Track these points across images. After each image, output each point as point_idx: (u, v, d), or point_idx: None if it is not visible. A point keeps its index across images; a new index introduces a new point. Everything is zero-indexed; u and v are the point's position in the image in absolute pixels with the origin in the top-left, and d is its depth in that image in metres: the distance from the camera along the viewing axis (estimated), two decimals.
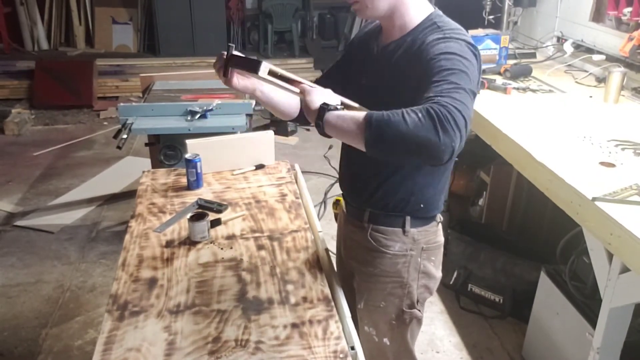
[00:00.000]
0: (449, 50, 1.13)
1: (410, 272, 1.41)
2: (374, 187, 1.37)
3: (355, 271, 1.48)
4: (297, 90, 1.21)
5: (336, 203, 1.80)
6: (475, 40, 2.79)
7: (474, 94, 1.11)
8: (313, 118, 1.15)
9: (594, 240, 1.58)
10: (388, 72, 1.27)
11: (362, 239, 1.42)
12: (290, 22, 6.41)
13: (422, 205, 1.37)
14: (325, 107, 1.12)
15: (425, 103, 1.02)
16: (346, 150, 1.43)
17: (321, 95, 1.16)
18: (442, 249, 1.49)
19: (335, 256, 1.66)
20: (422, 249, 1.41)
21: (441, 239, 1.48)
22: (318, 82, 1.36)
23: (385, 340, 1.48)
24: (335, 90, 1.22)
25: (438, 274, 1.48)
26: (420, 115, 1.00)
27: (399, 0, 1.24)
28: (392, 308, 1.44)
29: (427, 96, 1.04)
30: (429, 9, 1.28)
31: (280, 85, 1.21)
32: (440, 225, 1.47)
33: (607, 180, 1.62)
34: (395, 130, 1.01)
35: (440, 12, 1.28)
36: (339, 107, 1.14)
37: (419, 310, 1.46)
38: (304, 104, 1.17)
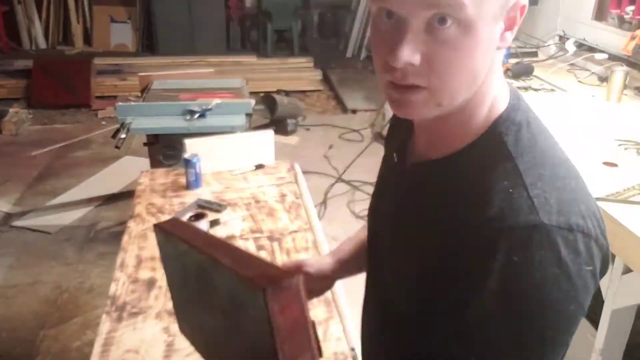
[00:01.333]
0: (525, 283, 0.56)
1: None
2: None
3: None
4: None
5: None
6: None
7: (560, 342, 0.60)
8: None
9: None
10: (411, 219, 0.69)
11: None
12: (290, 21, 6.40)
13: None
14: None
15: None
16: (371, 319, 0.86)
17: None
18: None
19: None
20: None
21: None
22: None
23: None
24: None
25: None
26: None
27: (477, 74, 0.62)
28: None
29: None
30: (504, 101, 0.68)
31: None
32: None
33: (610, 180, 1.61)
34: None
35: (520, 104, 0.70)
36: None
37: None
38: None
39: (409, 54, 0.56)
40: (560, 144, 0.68)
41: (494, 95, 0.67)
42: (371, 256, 0.82)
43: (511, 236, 0.55)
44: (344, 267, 0.95)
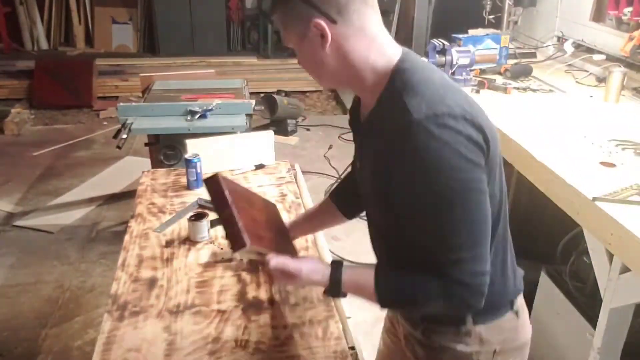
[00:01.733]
0: (423, 162, 0.86)
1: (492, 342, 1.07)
2: None
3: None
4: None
5: None
6: (475, 40, 2.80)
7: (476, 192, 0.90)
8: (319, 283, 1.05)
9: (594, 240, 1.58)
10: (371, 165, 0.99)
11: (412, 333, 1.11)
12: None
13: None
14: (336, 279, 1.02)
15: (440, 280, 0.91)
16: (378, 242, 1.15)
17: (309, 277, 1.05)
18: (526, 349, 1.18)
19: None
20: (494, 351, 1.07)
21: (526, 335, 1.17)
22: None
23: None
24: None
25: None
26: (440, 302, 0.93)
27: (346, 64, 0.96)
28: None
29: (430, 259, 0.92)
30: (393, 55, 0.97)
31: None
32: (521, 316, 1.16)
33: (608, 180, 1.62)
34: (410, 310, 1.08)
35: (408, 55, 0.98)
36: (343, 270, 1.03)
37: None
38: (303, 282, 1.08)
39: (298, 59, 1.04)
40: (437, 73, 0.97)
41: (378, 65, 0.96)
42: (362, 197, 1.11)
43: (398, 136, 0.88)
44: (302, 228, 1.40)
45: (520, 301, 1.18)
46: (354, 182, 1.16)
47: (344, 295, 1.05)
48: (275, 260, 1.06)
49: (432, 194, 0.88)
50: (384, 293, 0.98)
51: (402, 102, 0.89)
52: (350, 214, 1.33)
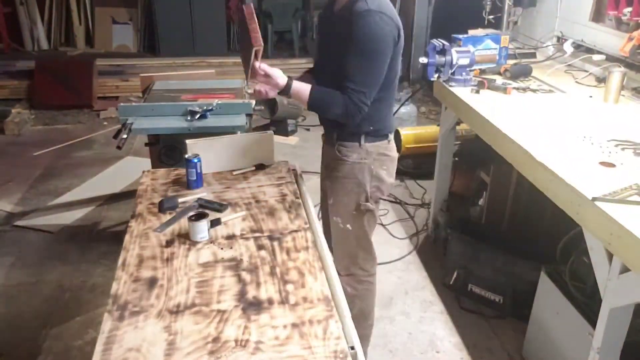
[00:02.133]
0: (366, 30, 1.65)
1: (365, 175, 1.89)
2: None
3: (328, 177, 1.97)
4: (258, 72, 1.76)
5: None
6: (475, 40, 2.80)
7: (385, 58, 1.71)
8: (277, 87, 1.77)
9: (594, 240, 1.58)
10: (338, 35, 1.74)
11: (332, 152, 1.92)
12: (290, 22, 6.41)
13: (371, 127, 1.84)
14: (287, 88, 1.77)
15: (345, 94, 1.71)
16: (327, 77, 1.87)
17: (278, 73, 1.77)
18: (394, 162, 1.96)
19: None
20: (374, 158, 1.88)
21: (393, 153, 1.95)
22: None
23: (348, 226, 1.95)
24: None
25: (390, 180, 1.95)
26: (340, 111, 1.74)
27: None
28: (351, 202, 1.92)
29: (347, 84, 1.71)
30: None
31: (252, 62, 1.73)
32: (392, 143, 1.95)
33: (607, 180, 1.62)
34: (323, 112, 1.84)
35: None
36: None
37: (371, 205, 1.94)
38: (266, 81, 1.77)
39: None
40: None
41: None
42: (320, 57, 1.96)
43: (358, 17, 1.66)
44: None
45: (391, 137, 1.94)
46: (323, 62, 1.92)
47: (290, 96, 1.78)
48: (264, 65, 1.74)
49: (363, 49, 1.67)
50: (312, 97, 1.76)
51: (364, 1, 1.66)
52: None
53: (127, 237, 1.60)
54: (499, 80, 2.64)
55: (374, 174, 1.89)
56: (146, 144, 2.78)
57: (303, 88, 1.76)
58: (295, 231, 1.64)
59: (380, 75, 1.72)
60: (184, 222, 1.65)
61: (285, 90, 1.75)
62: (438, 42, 2.49)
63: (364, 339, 2.11)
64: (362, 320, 2.09)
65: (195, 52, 6.18)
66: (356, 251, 2.00)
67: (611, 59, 2.65)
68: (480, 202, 3.08)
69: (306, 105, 1.77)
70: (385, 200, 3.64)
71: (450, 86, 2.57)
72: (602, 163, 1.75)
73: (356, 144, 1.86)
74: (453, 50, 2.48)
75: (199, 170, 1.87)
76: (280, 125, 4.68)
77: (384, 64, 1.71)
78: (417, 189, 3.83)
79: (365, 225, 1.97)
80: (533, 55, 3.09)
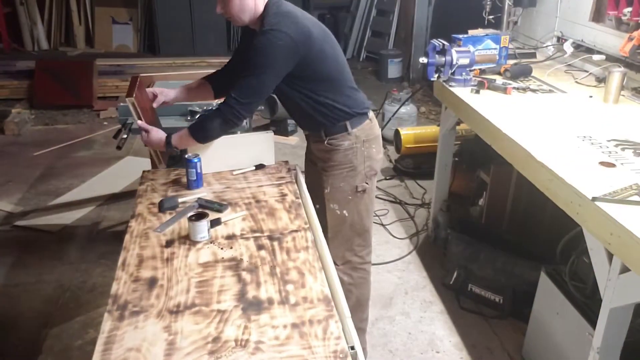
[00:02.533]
0: (257, 46, 1.74)
1: (358, 159, 1.98)
2: (314, 122, 1.97)
3: (322, 168, 2.01)
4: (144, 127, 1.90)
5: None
6: (475, 40, 2.80)
7: (272, 71, 1.77)
8: (162, 147, 1.90)
9: (594, 240, 1.58)
10: (244, 55, 1.90)
11: (322, 146, 1.99)
12: None
13: (347, 110, 1.94)
14: (169, 141, 1.88)
15: (224, 103, 1.81)
16: (289, 112, 2.07)
17: (156, 134, 1.90)
18: (380, 139, 2.06)
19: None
20: (363, 141, 1.98)
21: (377, 131, 2.05)
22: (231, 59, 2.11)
23: (345, 212, 2.01)
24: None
25: (379, 156, 2.06)
26: (219, 124, 1.83)
27: (255, 5, 1.81)
28: (348, 186, 1.99)
29: (230, 93, 1.80)
30: (264, 4, 1.82)
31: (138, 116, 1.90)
32: (374, 121, 2.04)
33: (607, 180, 1.62)
34: (211, 135, 1.89)
35: (274, 2, 1.82)
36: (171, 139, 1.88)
37: (367, 184, 2.02)
38: (147, 141, 1.92)
39: (219, 9, 1.85)
40: (290, 10, 1.84)
41: (260, 6, 1.82)
42: (235, 72, 2.01)
43: (258, 35, 1.77)
44: (182, 95, 2.13)
45: (371, 114, 2.03)
46: (228, 73, 2.07)
47: (177, 149, 1.89)
48: (141, 123, 1.89)
49: (250, 62, 1.76)
50: (193, 133, 1.85)
51: (265, 23, 1.77)
52: (218, 94, 2.10)
53: (127, 237, 1.60)
54: (499, 80, 2.64)
55: (365, 154, 1.99)
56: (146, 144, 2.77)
57: (181, 133, 1.87)
58: (295, 231, 1.64)
59: (265, 87, 1.79)
60: (184, 222, 1.65)
61: (168, 145, 1.87)
62: (438, 42, 2.49)
63: (361, 333, 2.14)
64: (359, 311, 2.16)
65: (195, 52, 6.18)
66: (352, 238, 2.06)
67: (611, 59, 2.65)
68: (480, 202, 3.08)
69: (195, 142, 1.88)
70: (385, 199, 3.64)
71: (450, 86, 2.57)
72: (602, 163, 1.74)
73: (344, 132, 1.95)
74: (453, 50, 2.48)
75: (199, 170, 1.87)
76: (280, 125, 4.68)
77: (272, 77, 1.78)
78: (417, 189, 3.84)
79: (362, 209, 2.03)
80: (533, 55, 3.09)
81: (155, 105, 2.06)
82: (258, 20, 1.82)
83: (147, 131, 1.88)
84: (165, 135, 1.88)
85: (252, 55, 1.74)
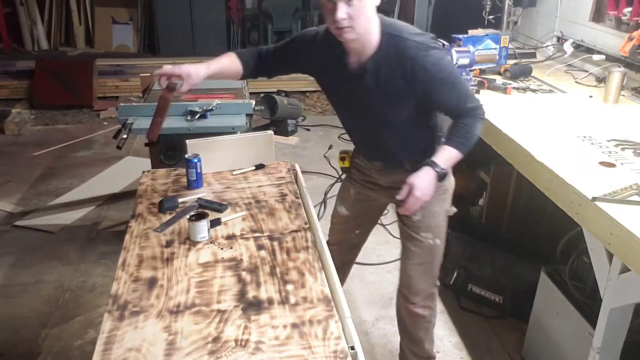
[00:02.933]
0: (436, 61, 1.56)
1: (450, 181, 1.82)
2: (414, 150, 1.75)
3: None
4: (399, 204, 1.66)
5: (343, 159, 1.99)
6: (475, 40, 2.80)
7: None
8: (436, 181, 1.63)
9: (594, 240, 1.58)
10: (379, 91, 1.62)
11: (403, 175, 1.69)
12: (291, 22, 6.41)
13: (440, 133, 1.78)
14: (441, 174, 1.62)
15: (467, 113, 1.63)
16: (373, 133, 1.79)
17: (423, 182, 1.60)
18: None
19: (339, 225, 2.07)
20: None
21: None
22: (274, 52, 1.83)
23: (437, 240, 1.85)
24: (290, 68, 1.91)
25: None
26: (478, 129, 1.64)
27: (371, 19, 1.53)
28: (442, 210, 1.84)
29: (463, 107, 1.63)
30: (377, 20, 1.57)
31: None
32: None
33: (607, 180, 1.62)
34: (473, 142, 1.65)
35: (382, 16, 1.59)
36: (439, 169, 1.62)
37: (454, 207, 1.89)
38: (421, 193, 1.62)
39: (342, 15, 1.46)
40: (406, 25, 1.64)
41: (376, 23, 1.56)
42: (350, 118, 1.82)
43: (419, 60, 1.55)
44: (210, 76, 1.71)
45: None
46: (265, 63, 1.83)
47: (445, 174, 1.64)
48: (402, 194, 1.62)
49: (450, 78, 1.60)
50: (461, 147, 1.63)
51: (406, 42, 1.55)
52: (245, 76, 1.83)
53: (127, 237, 1.60)
54: (499, 80, 2.64)
55: (451, 176, 1.85)
56: (146, 144, 2.78)
57: (447, 156, 1.63)
58: (295, 231, 1.64)
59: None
60: (184, 222, 1.65)
61: (442, 177, 1.63)
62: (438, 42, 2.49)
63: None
64: (431, 344, 2.04)
65: (195, 52, 6.17)
66: (438, 266, 1.91)
67: (611, 59, 2.65)
68: (480, 202, 3.08)
69: (461, 155, 1.66)
70: None
71: None
72: (602, 163, 1.75)
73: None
74: (453, 50, 2.48)
75: (199, 170, 1.87)
76: (280, 125, 4.68)
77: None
78: None
79: (447, 233, 1.90)
80: (533, 55, 3.09)
81: (185, 89, 1.64)
82: (370, 40, 1.55)
83: (413, 188, 1.59)
84: (433, 171, 1.60)
85: (440, 70, 1.56)
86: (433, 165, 1.60)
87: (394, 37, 1.55)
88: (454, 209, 1.88)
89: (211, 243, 1.58)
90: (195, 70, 1.63)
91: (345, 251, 2.10)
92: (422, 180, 1.59)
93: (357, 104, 1.70)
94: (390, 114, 1.67)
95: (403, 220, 1.85)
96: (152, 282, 1.40)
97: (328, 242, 1.84)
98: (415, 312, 1.94)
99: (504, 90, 2.47)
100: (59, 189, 3.75)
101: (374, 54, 1.57)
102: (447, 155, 1.62)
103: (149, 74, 3.41)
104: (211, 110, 2.58)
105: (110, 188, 3.74)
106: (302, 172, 2.09)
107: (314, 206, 1.88)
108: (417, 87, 1.57)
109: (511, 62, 2.83)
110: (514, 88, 2.50)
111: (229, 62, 1.77)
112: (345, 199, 2.01)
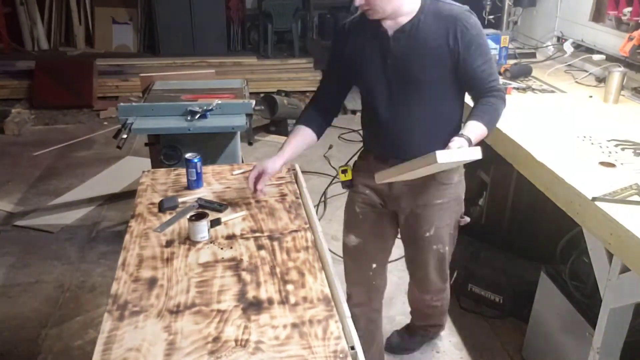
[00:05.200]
0: (478, 27, 1.60)
1: (463, 189, 1.84)
2: (429, 145, 1.53)
3: (419, 208, 1.80)
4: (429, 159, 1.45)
5: (345, 172, 1.92)
6: None
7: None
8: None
9: (594, 240, 1.58)
10: (416, 49, 1.61)
11: (430, 181, 1.74)
12: (290, 22, 6.41)
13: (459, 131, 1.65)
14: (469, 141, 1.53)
15: (491, 92, 1.63)
16: (398, 120, 1.71)
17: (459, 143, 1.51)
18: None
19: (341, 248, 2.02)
20: (463, 171, 1.84)
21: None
22: (323, 84, 1.85)
23: (447, 248, 1.89)
24: (342, 80, 1.80)
25: None
26: (501, 109, 1.64)
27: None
28: (453, 222, 1.86)
29: (489, 84, 1.64)
30: None
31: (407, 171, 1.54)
32: None
33: (607, 180, 1.62)
34: (497, 121, 1.65)
35: None
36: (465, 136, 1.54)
37: (466, 216, 1.90)
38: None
39: (360, 2, 1.56)
40: None
41: None
42: (381, 97, 1.71)
43: (462, 19, 1.59)
44: (287, 163, 1.78)
45: None
46: (323, 105, 1.82)
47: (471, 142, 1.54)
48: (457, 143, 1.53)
49: (486, 46, 1.62)
50: (489, 124, 1.60)
51: (449, 5, 1.60)
52: (320, 133, 1.82)
53: (127, 237, 1.60)
54: (499, 80, 2.64)
55: (464, 183, 1.83)
56: (146, 144, 2.78)
57: (477, 133, 1.56)
58: (295, 231, 1.64)
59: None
60: (184, 222, 1.65)
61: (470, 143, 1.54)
62: None
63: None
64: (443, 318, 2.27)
65: (195, 52, 6.18)
66: (447, 266, 1.98)
67: (611, 59, 2.65)
68: (480, 202, 3.08)
69: (488, 133, 1.62)
70: None
71: None
72: (602, 163, 1.74)
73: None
74: None
75: (199, 170, 1.87)
76: (280, 125, 4.68)
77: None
78: None
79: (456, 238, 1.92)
80: (533, 55, 3.09)
81: (262, 186, 1.72)
82: (409, 9, 1.58)
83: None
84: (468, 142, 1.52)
85: (476, 36, 1.57)
86: (468, 139, 1.52)
87: (435, 2, 1.60)
88: (466, 219, 1.86)
89: (211, 243, 1.58)
90: (272, 166, 1.71)
91: (367, 301, 1.99)
92: (461, 143, 1.50)
93: (391, 73, 1.65)
94: (424, 75, 1.63)
95: (415, 234, 1.84)
96: (152, 282, 1.40)
97: (349, 300, 1.86)
98: (429, 305, 2.11)
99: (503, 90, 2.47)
100: (59, 189, 3.75)
101: (412, 19, 1.59)
102: (477, 131, 1.56)
103: (149, 74, 3.41)
104: (211, 110, 2.57)
105: (110, 188, 3.74)
106: (302, 172, 2.09)
107: (314, 206, 1.88)
108: (455, 47, 1.57)
109: (511, 62, 2.82)
110: (514, 88, 2.50)
111: (301, 139, 1.79)
112: (351, 223, 1.93)
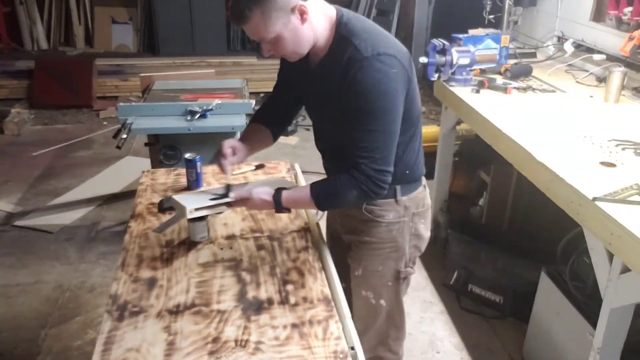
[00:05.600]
0: (366, 86, 1.28)
1: (405, 236, 1.56)
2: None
3: (353, 243, 1.62)
4: (227, 203, 1.48)
5: None
6: (475, 40, 2.79)
7: (398, 110, 1.34)
8: (271, 208, 1.45)
9: (594, 240, 1.58)
10: (325, 94, 1.42)
11: (357, 213, 1.55)
12: None
13: (407, 172, 1.51)
14: (277, 201, 1.42)
15: (354, 172, 1.33)
16: (328, 147, 1.61)
17: (259, 196, 1.43)
18: (430, 211, 1.64)
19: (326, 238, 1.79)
20: (413, 214, 1.56)
21: (429, 201, 1.63)
22: (275, 88, 1.67)
23: (382, 301, 1.63)
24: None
25: (427, 234, 1.64)
26: (355, 193, 1.34)
27: (312, 30, 1.34)
28: (389, 270, 1.59)
29: (354, 159, 1.33)
30: (332, 14, 1.38)
31: (211, 209, 1.49)
32: (426, 189, 1.63)
33: (608, 180, 1.62)
34: (337, 203, 1.44)
35: (344, 12, 1.39)
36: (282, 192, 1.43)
37: (412, 269, 1.63)
38: (251, 206, 1.50)
39: (266, 53, 1.42)
40: (368, 21, 1.39)
41: (323, 26, 1.35)
42: (313, 117, 1.57)
43: (352, 68, 1.28)
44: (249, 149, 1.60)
45: (424, 180, 1.60)
46: (279, 109, 1.66)
47: (288, 210, 1.46)
48: (236, 194, 1.47)
49: (368, 109, 1.29)
50: (317, 196, 1.38)
51: (352, 45, 1.30)
52: (277, 137, 1.68)
53: (127, 237, 1.60)
54: (500, 80, 2.64)
55: (413, 232, 1.57)
56: (146, 144, 2.78)
57: (296, 196, 1.42)
58: (295, 231, 1.64)
59: (395, 133, 1.34)
60: (183, 222, 1.64)
61: (278, 206, 1.43)
62: (438, 42, 2.49)
63: None
64: None
65: (195, 52, 6.18)
66: (388, 331, 1.68)
67: (612, 58, 2.65)
68: (481, 202, 3.08)
69: (316, 208, 1.44)
70: None
71: (451, 86, 2.57)
72: (603, 163, 1.74)
73: (391, 200, 1.50)
74: (453, 50, 2.48)
75: (198, 170, 1.86)
76: None
77: (398, 118, 1.33)
78: None
79: (400, 295, 1.65)
80: (533, 55, 3.09)
81: (235, 162, 1.58)
82: (326, 43, 1.37)
83: (247, 199, 1.45)
84: (271, 195, 1.42)
85: (361, 98, 1.28)
86: (278, 198, 1.41)
87: (344, 39, 1.33)
88: (411, 271, 1.62)
89: (211, 243, 1.57)
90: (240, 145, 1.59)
91: None
92: (258, 203, 1.43)
93: (315, 110, 1.55)
94: (327, 123, 1.49)
95: (349, 269, 1.64)
96: (151, 282, 1.39)
97: None
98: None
99: (504, 90, 2.47)
100: (58, 189, 3.75)
101: (324, 56, 1.39)
102: (297, 197, 1.42)
103: (148, 74, 3.41)
104: (211, 110, 2.57)
105: (110, 188, 3.74)
106: (302, 172, 2.09)
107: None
108: (341, 97, 1.32)
109: (511, 61, 2.82)
110: (515, 88, 2.50)
111: (254, 132, 1.66)
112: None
